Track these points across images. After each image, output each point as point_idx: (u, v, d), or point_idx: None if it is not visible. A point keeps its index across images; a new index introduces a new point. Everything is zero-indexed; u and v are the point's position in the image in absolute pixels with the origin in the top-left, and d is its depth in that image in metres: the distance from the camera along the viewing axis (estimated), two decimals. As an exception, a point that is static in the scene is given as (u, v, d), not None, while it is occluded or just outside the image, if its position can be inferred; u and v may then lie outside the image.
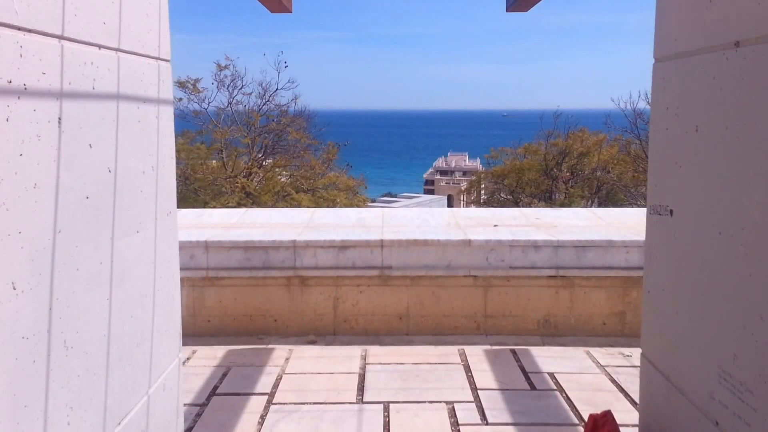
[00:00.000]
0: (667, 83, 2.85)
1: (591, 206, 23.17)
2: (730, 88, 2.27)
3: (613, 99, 23.94)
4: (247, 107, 22.17)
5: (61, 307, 1.89)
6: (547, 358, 4.61)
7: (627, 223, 5.77)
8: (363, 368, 4.45)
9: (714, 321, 2.41)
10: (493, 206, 25.89)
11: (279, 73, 24.76)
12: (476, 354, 4.72)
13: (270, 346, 4.99)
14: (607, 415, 3.17)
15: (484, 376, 4.30)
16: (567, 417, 3.73)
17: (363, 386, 4.15)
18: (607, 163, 25.59)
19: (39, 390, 1.80)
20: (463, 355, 4.69)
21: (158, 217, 2.67)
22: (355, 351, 4.80)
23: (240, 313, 5.29)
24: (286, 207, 14.71)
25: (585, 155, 26.51)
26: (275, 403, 3.91)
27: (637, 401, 3.42)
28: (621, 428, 3.18)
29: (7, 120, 1.63)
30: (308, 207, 12.56)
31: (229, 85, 21.82)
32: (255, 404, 3.90)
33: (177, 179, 2.94)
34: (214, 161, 21.83)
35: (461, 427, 3.61)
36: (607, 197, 25.67)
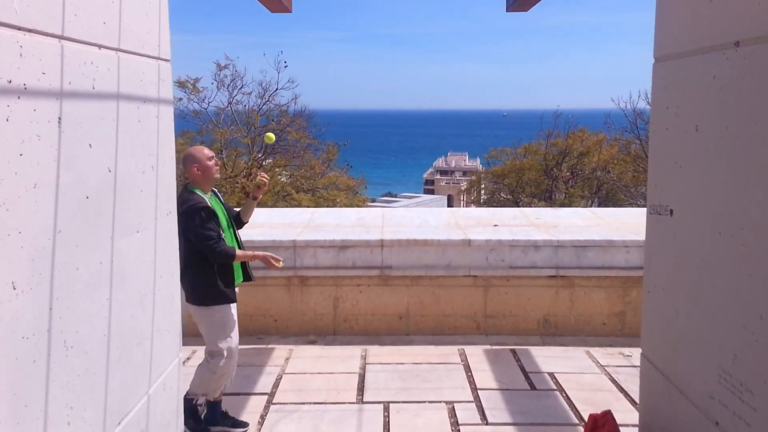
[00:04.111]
0: (667, 83, 2.85)
1: (591, 206, 23.18)
2: (730, 88, 2.27)
3: (613, 99, 23.88)
4: (247, 107, 22.13)
5: (61, 307, 1.89)
6: (547, 358, 4.61)
7: (627, 223, 5.77)
8: (363, 368, 4.45)
9: (714, 321, 2.41)
10: (493, 206, 25.87)
11: (279, 72, 24.66)
12: (476, 354, 4.73)
13: (270, 345, 5.00)
14: (607, 415, 3.17)
15: (484, 376, 4.30)
16: (567, 417, 3.73)
17: (363, 386, 4.15)
18: (607, 163, 25.56)
19: (39, 390, 1.80)
20: (463, 355, 4.69)
21: (158, 217, 2.67)
22: (355, 351, 4.80)
23: (240, 313, 5.24)
24: (286, 207, 14.69)
25: (585, 155, 26.48)
26: (275, 403, 3.91)
27: (637, 401, 3.42)
28: (621, 428, 3.18)
29: (7, 120, 1.63)
30: (308, 207, 12.55)
31: (228, 85, 21.77)
32: (255, 404, 3.90)
33: (177, 179, 2.94)
34: (214, 161, 21.79)
35: (461, 427, 3.61)
36: (607, 197, 25.64)
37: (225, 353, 3.43)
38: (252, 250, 3.66)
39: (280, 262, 3.55)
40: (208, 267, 3.37)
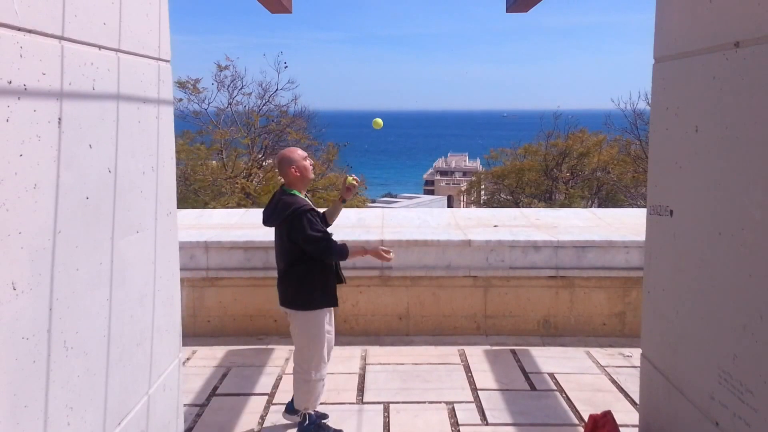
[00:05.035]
0: (667, 83, 2.85)
1: (591, 207, 23.17)
2: (730, 88, 2.28)
3: (613, 99, 23.86)
4: (246, 108, 22.13)
5: (61, 308, 1.89)
6: (547, 359, 4.61)
7: (627, 224, 5.77)
8: (363, 368, 4.45)
9: (714, 321, 2.41)
10: (493, 207, 25.85)
11: (279, 73, 24.67)
12: (476, 354, 4.72)
13: (270, 346, 4.99)
14: (607, 416, 3.17)
15: (484, 377, 4.30)
16: (567, 417, 3.73)
17: (363, 386, 4.15)
18: (607, 164, 25.56)
19: (39, 390, 1.80)
20: (463, 356, 4.69)
21: (158, 218, 2.67)
22: (355, 351, 4.80)
23: (240, 314, 5.29)
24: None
25: (585, 156, 26.47)
26: (275, 404, 3.91)
27: (637, 401, 3.42)
28: (621, 428, 3.18)
29: (7, 120, 1.63)
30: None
31: (229, 86, 21.77)
32: (255, 404, 3.90)
33: (177, 180, 2.95)
34: (214, 162, 21.78)
35: (461, 428, 3.61)
36: (607, 198, 25.64)
37: (322, 358, 3.41)
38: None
39: (391, 254, 3.43)
40: (314, 271, 3.30)
